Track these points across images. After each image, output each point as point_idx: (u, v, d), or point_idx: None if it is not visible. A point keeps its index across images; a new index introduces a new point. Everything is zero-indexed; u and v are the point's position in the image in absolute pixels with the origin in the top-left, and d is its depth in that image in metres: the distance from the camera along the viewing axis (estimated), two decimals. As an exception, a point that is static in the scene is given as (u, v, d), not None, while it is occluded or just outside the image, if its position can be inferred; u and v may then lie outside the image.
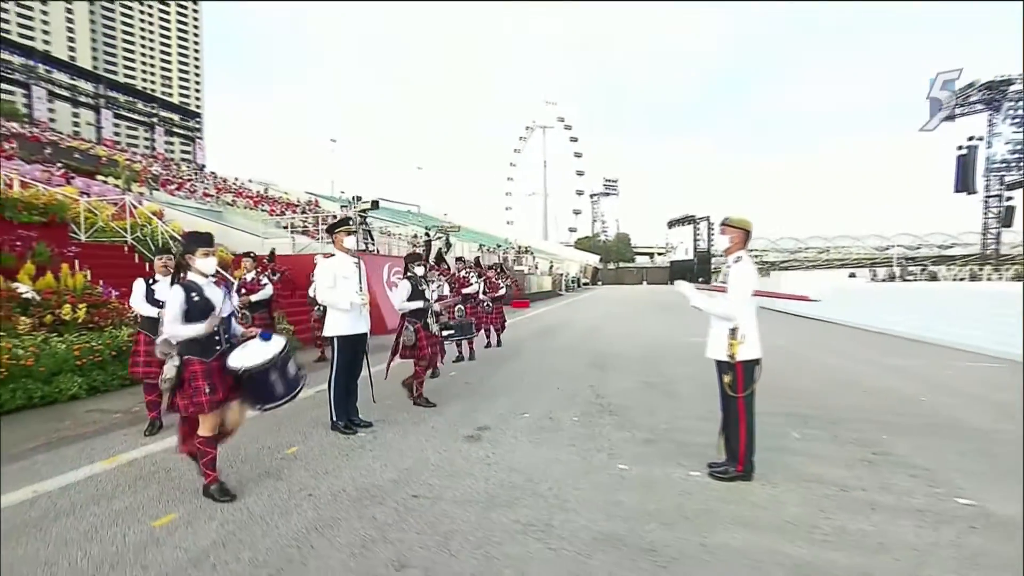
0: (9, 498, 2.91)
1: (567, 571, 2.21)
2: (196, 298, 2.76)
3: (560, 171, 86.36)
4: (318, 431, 4.19)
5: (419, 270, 4.79)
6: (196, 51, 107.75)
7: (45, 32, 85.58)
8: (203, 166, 36.36)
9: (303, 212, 28.40)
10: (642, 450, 3.77)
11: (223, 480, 2.92)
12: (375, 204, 12.76)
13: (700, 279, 48.70)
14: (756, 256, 62.89)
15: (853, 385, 5.94)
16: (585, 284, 57.71)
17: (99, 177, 20.24)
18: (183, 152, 59.07)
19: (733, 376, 3.10)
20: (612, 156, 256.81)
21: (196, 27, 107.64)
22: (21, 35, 77.72)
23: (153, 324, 3.86)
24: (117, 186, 18.85)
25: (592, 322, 14.28)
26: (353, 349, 4.20)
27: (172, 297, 2.73)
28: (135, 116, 48.37)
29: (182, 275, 2.86)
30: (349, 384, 4.23)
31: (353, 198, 14.26)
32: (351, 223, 4.29)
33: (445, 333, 5.40)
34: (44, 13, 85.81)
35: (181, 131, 53.55)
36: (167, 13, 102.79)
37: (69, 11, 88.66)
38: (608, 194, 79.66)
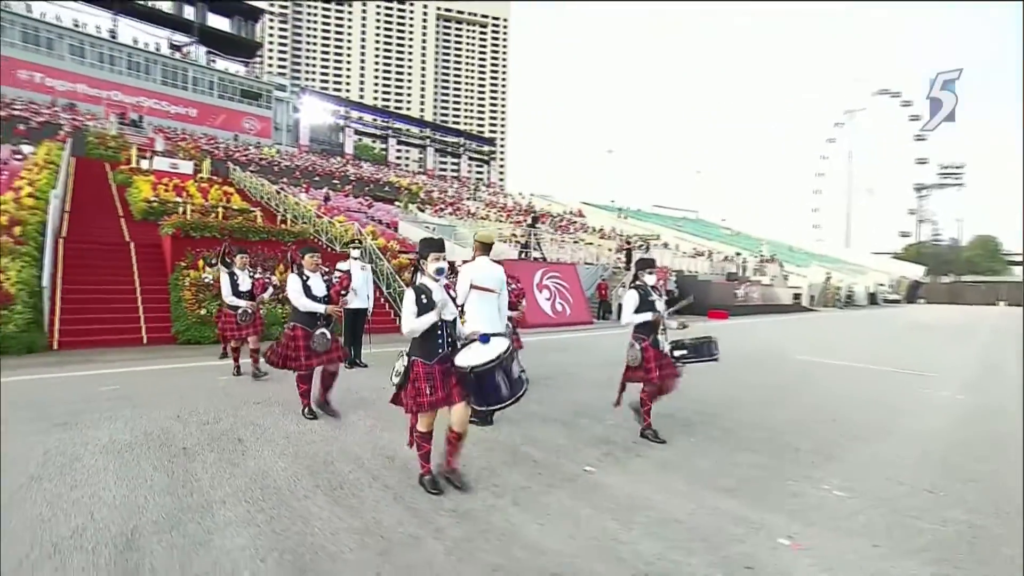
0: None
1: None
2: (424, 300, 2.97)
3: (892, 161, 70.21)
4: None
5: (649, 278, 4.35)
6: (504, 85, 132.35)
7: (408, 99, 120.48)
8: (477, 188, 45.78)
9: (555, 223, 33.44)
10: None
11: (435, 474, 3.12)
12: (535, 220, 15.50)
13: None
14: None
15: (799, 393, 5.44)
16: (892, 301, 46.46)
17: (396, 203, 29.28)
18: (491, 175, 73.88)
19: (464, 346, 4.51)
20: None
21: (505, 67, 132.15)
22: (384, 100, 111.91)
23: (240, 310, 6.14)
24: (399, 208, 27.06)
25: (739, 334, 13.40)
26: (353, 319, 7.03)
27: (407, 299, 3.01)
28: (448, 149, 64.18)
29: (414, 278, 3.12)
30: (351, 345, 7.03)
31: (527, 211, 17.22)
32: (357, 241, 7.11)
33: (677, 353, 4.41)
34: (409, 80, 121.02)
35: (479, 156, 67.86)
36: (484, 61, 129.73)
37: (423, 74, 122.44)
38: (945, 186, 60.88)
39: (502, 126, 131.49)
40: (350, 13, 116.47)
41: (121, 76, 37.29)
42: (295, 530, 2.59)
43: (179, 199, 12.58)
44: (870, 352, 10.76)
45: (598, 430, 4.53)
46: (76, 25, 36.59)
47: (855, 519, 2.98)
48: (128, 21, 39.50)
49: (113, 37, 37.93)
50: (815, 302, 33.49)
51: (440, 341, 3.02)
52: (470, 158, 66.24)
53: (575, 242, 26.30)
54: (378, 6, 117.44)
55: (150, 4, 41.11)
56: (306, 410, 4.57)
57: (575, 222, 37.83)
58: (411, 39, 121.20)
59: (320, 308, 4.48)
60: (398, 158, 63.70)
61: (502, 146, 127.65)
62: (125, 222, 12.53)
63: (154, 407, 4.73)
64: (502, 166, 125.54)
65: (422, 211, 27.19)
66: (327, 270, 5.73)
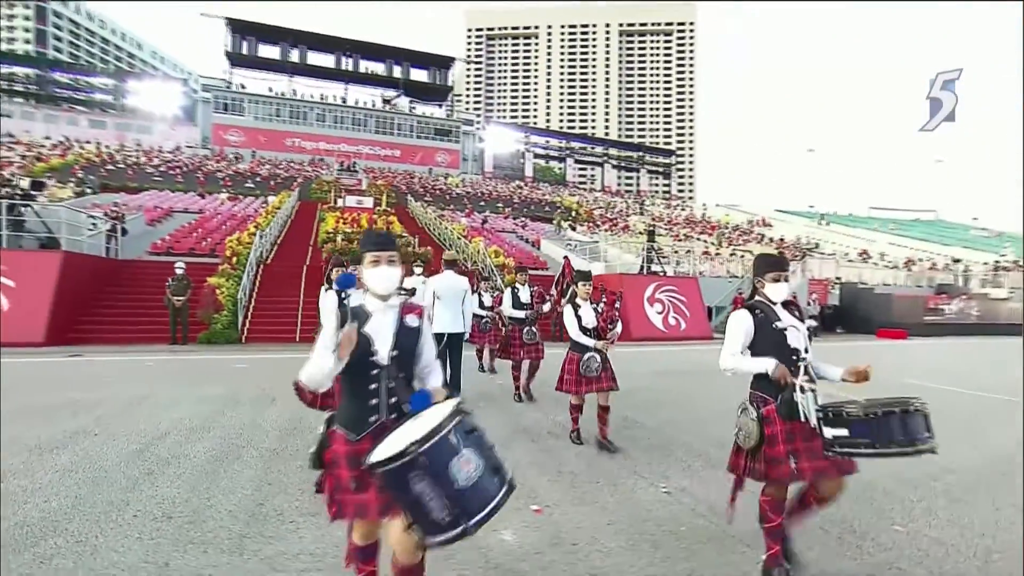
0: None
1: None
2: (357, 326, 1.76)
3: None
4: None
5: (774, 291, 2.40)
6: (691, 92, 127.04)
7: (593, 119, 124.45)
8: (643, 203, 45.48)
9: (722, 235, 32.00)
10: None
11: None
12: (651, 235, 15.86)
13: None
14: None
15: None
16: None
17: (552, 221, 31.43)
18: (672, 187, 72.40)
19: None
20: None
21: (692, 73, 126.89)
22: (568, 124, 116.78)
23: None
24: (555, 226, 29.03)
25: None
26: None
27: (324, 327, 1.74)
28: (633, 165, 64.86)
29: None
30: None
31: (647, 226, 17.66)
32: (421, 258, 8.93)
33: (831, 433, 2.04)
34: (594, 99, 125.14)
35: (658, 169, 66.96)
36: (669, 70, 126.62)
37: (607, 91, 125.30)
38: None
39: (690, 134, 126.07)
40: (536, 45, 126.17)
41: (347, 131, 47.79)
42: (247, 436, 4.40)
43: (349, 230, 16.45)
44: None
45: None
46: (321, 98, 48.32)
47: (631, 502, 3.46)
48: (354, 87, 50.44)
49: (343, 102, 48.85)
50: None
51: (376, 402, 1.79)
52: (648, 171, 65.76)
53: (731, 254, 24.85)
54: (562, 34, 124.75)
55: (370, 71, 51.72)
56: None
57: (751, 231, 35.06)
58: (594, 59, 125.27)
59: None
60: (581, 177, 66.65)
61: (691, 155, 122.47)
62: (311, 250, 16.94)
63: (251, 377, 7.21)
64: (691, 177, 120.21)
65: (573, 229, 28.72)
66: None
